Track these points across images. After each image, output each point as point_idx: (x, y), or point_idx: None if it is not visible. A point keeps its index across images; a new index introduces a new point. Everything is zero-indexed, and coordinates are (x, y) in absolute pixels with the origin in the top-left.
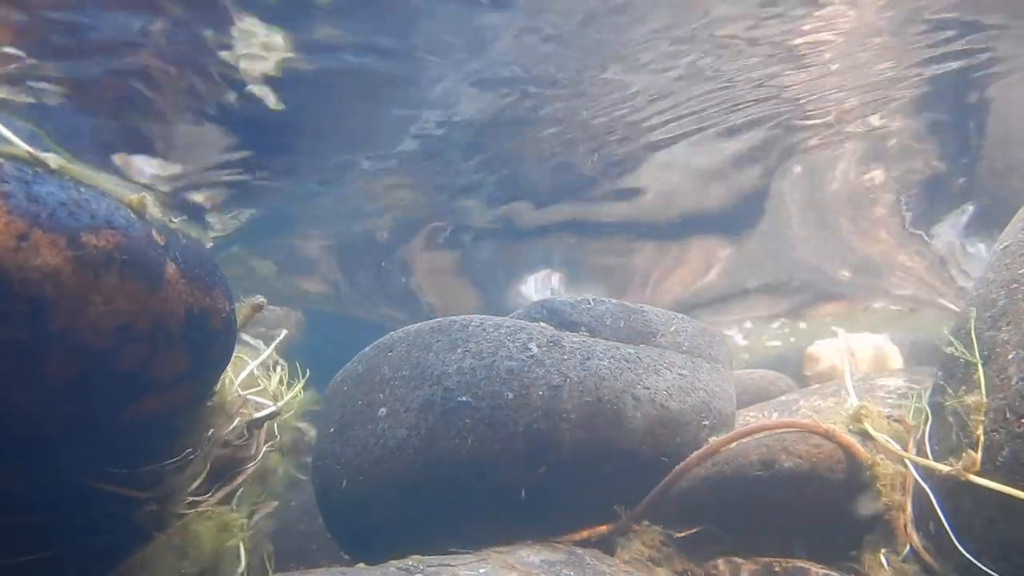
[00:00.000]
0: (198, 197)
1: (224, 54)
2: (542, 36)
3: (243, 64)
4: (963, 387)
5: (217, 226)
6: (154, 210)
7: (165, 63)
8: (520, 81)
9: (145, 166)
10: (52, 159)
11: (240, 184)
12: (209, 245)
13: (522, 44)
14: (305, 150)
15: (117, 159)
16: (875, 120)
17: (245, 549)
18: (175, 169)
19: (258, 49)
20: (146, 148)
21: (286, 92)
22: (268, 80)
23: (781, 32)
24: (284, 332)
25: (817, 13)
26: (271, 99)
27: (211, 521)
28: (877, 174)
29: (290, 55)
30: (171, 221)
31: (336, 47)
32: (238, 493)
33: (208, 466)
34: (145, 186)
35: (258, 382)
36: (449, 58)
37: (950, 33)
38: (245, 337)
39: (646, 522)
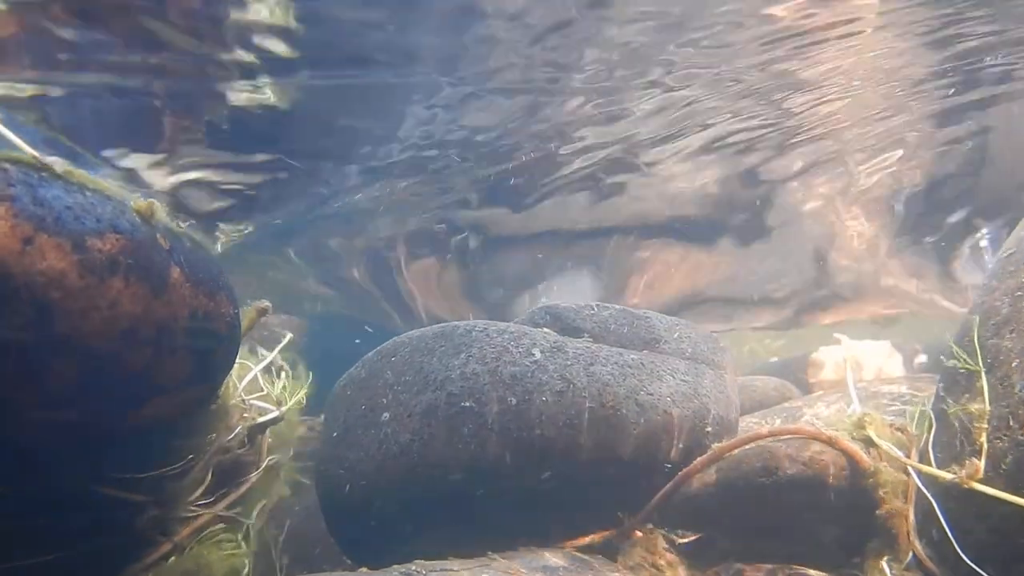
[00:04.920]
0: (201, 201)
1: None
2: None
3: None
4: (966, 395)
5: (223, 237)
6: (162, 215)
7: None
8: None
9: (148, 165)
10: (58, 163)
11: (245, 189)
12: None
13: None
14: (310, 152)
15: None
16: (879, 128)
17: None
18: (178, 173)
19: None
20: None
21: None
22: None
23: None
24: (289, 336)
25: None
26: (276, 99)
27: (222, 551)
28: (881, 182)
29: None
30: (179, 225)
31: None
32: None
33: (211, 472)
34: (149, 190)
35: (261, 387)
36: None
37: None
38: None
39: (649, 528)
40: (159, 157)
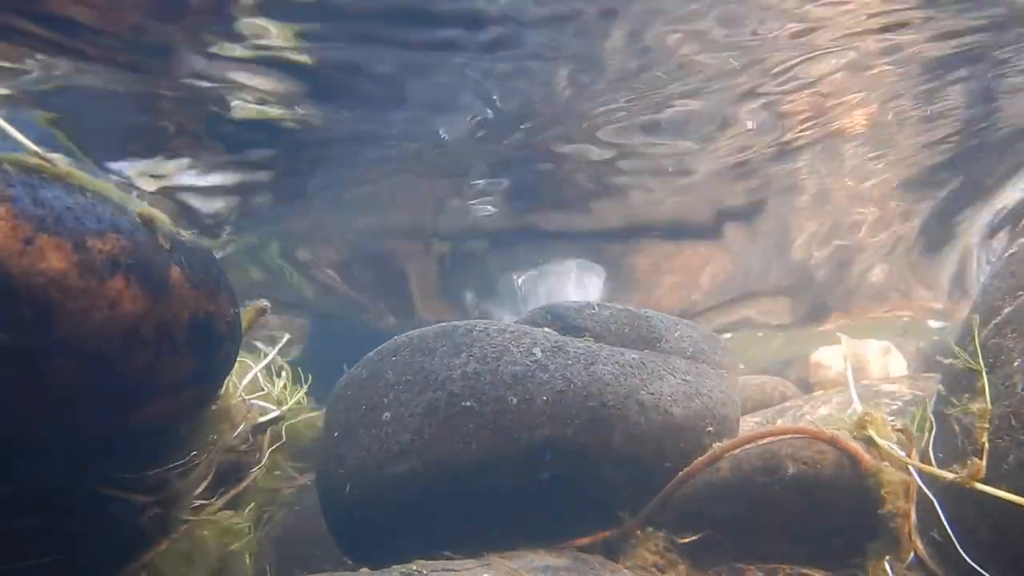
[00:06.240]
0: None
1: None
2: None
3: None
4: (967, 394)
5: (226, 239)
6: (163, 219)
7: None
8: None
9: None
10: (59, 160)
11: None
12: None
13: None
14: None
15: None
16: (886, 127)
17: (250, 554)
18: (178, 175)
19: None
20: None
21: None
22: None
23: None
24: (287, 336)
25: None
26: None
27: (216, 527)
28: (887, 182)
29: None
30: (179, 232)
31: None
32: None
33: (212, 471)
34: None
35: (262, 387)
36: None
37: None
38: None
39: (650, 528)
40: (162, 162)
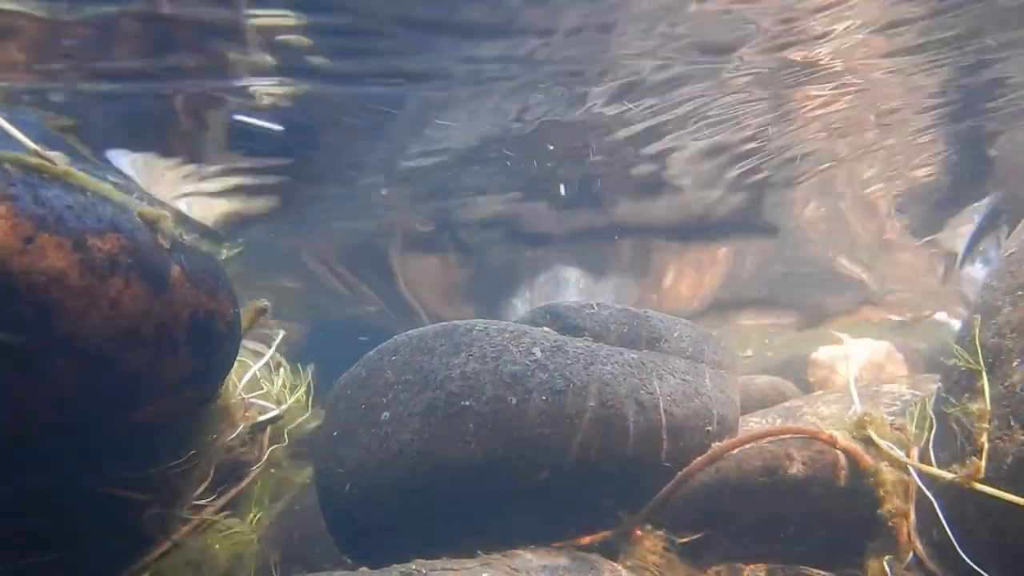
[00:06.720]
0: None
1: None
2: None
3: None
4: (967, 395)
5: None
6: (168, 224)
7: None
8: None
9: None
10: (59, 158)
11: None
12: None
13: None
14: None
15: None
16: (884, 126)
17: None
18: (185, 177)
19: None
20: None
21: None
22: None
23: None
24: (282, 333)
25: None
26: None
27: (227, 540)
28: (885, 181)
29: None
30: (182, 236)
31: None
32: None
33: (212, 469)
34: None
35: (261, 385)
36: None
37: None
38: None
39: (649, 527)
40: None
